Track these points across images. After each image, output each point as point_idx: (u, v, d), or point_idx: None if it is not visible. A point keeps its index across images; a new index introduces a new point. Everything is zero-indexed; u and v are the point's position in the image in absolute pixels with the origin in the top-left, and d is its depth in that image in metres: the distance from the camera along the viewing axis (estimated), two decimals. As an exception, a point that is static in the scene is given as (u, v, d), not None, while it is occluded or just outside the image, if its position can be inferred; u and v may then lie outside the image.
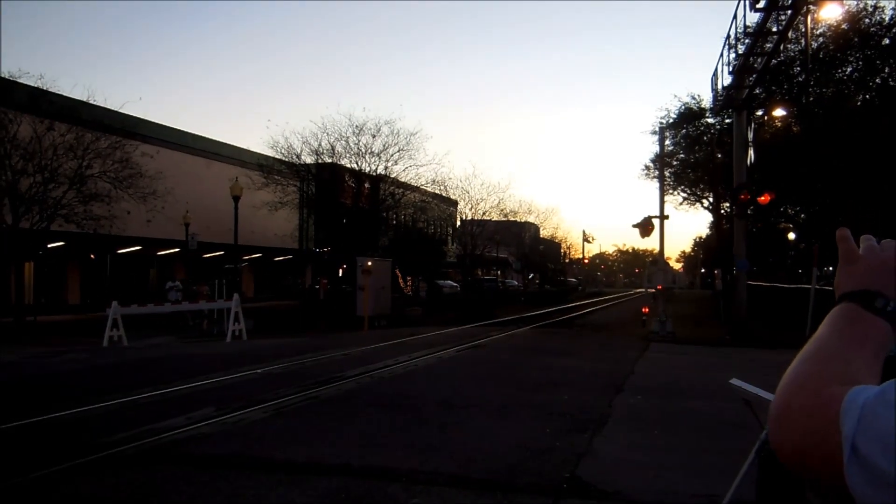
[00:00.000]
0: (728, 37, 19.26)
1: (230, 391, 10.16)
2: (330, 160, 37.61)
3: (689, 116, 34.11)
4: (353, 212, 37.62)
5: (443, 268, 53.84)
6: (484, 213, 50.34)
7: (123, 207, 24.69)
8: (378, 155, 37.62)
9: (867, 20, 24.82)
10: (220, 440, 7.25)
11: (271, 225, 38.35)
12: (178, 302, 24.02)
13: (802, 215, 31.66)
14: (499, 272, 69.96)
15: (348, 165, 38.19)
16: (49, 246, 28.44)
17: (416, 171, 40.82)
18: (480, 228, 50.87)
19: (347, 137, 37.47)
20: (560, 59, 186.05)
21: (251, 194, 32.31)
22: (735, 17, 18.20)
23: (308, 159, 37.39)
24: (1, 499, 5.46)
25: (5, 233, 21.23)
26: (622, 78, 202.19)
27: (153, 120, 35.99)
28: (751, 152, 20.32)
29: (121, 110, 25.70)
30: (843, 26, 24.36)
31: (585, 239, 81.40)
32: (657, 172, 27.74)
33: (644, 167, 42.73)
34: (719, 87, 21.26)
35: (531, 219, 62.98)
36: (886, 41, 24.87)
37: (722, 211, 34.84)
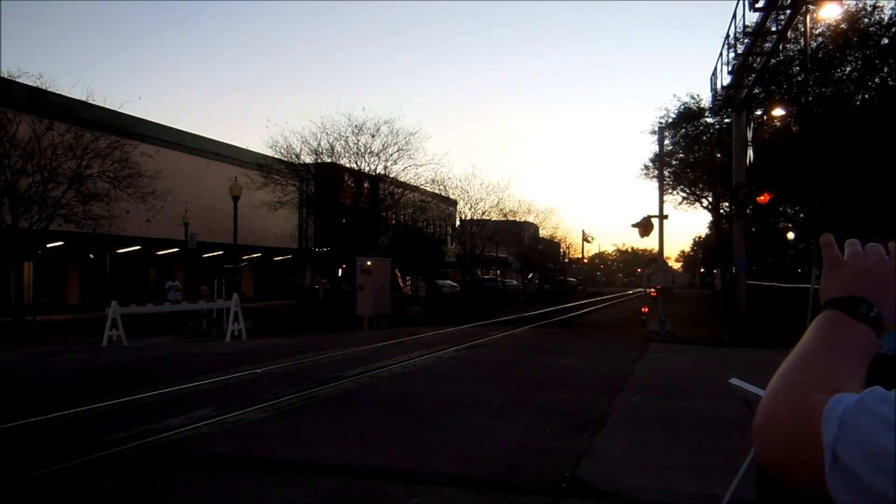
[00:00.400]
0: (727, 36, 19.30)
1: (230, 391, 10.16)
2: (329, 160, 37.61)
3: (688, 116, 34.15)
4: (353, 211, 37.61)
5: (442, 267, 53.85)
6: (483, 213, 50.38)
7: (123, 207, 24.69)
8: (377, 155, 37.64)
9: (866, 20, 24.84)
10: (220, 440, 7.25)
11: (271, 225, 38.34)
12: (178, 302, 24.03)
13: (802, 215, 31.66)
14: (498, 272, 69.98)
15: (348, 165, 38.19)
16: (48, 246, 28.43)
17: (415, 170, 40.86)
18: (480, 228, 50.88)
19: (347, 137, 37.49)
20: (560, 59, 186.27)
21: (250, 194, 32.30)
22: (734, 16, 18.24)
23: (307, 159, 37.41)
24: (1, 498, 5.46)
25: (5, 232, 21.23)
26: (622, 78, 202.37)
27: (152, 119, 36.04)
28: (750, 152, 20.34)
29: (120, 110, 25.77)
30: (843, 26, 24.37)
31: (585, 238, 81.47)
32: (656, 172, 27.76)
33: (643, 167, 42.84)
34: (718, 86, 21.28)
35: (531, 218, 63.04)
36: (885, 41, 24.88)
37: (721, 210, 34.88)
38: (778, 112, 26.16)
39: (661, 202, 23.16)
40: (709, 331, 22.49)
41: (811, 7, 16.44)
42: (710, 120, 33.65)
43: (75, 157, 22.50)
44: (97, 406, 8.83)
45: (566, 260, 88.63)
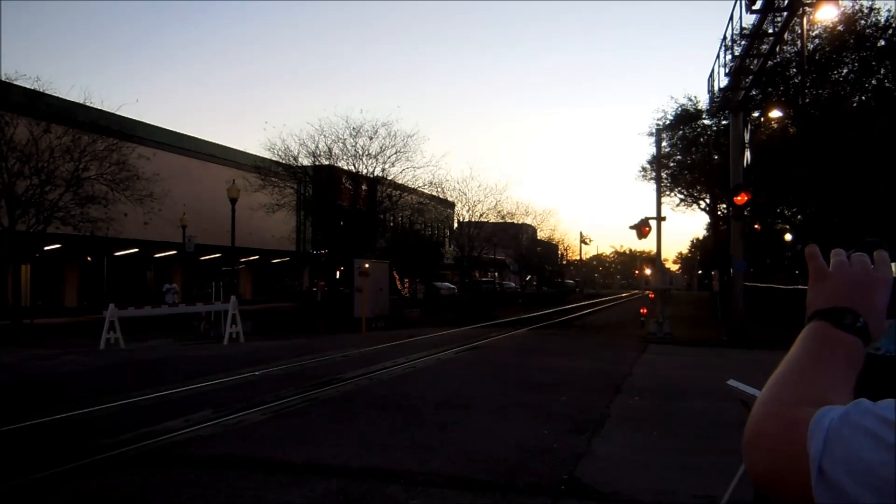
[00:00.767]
0: (724, 38, 19.34)
1: (228, 393, 10.17)
2: (327, 162, 37.60)
3: (685, 118, 34.23)
4: (351, 214, 37.61)
5: (440, 269, 53.83)
6: (481, 215, 50.35)
7: (120, 209, 24.67)
8: (375, 157, 37.64)
9: (863, 22, 24.94)
10: (219, 442, 7.26)
11: (269, 227, 38.33)
12: (175, 304, 24.00)
13: (799, 216, 31.74)
14: (496, 274, 70.00)
15: (345, 167, 38.19)
16: (46, 248, 28.41)
17: (413, 172, 40.88)
18: (478, 230, 50.86)
19: (344, 139, 37.48)
20: (557, 61, 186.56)
21: (248, 196, 32.31)
22: (731, 18, 18.27)
23: (305, 161, 37.39)
24: (3, 500, 5.47)
25: (2, 235, 21.21)
26: (619, 79, 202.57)
27: (150, 122, 36.07)
28: (747, 153, 20.36)
29: (118, 112, 25.72)
30: (839, 28, 24.45)
31: (583, 240, 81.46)
32: (654, 174, 27.83)
33: (641, 169, 42.94)
34: (716, 88, 21.32)
35: (528, 220, 63.04)
36: (882, 43, 24.97)
37: (719, 212, 34.94)
38: (775, 114, 26.21)
39: (659, 204, 23.21)
40: (707, 332, 22.53)
41: (808, 9, 16.47)
42: (707, 122, 33.75)
43: (73, 160, 22.47)
44: (96, 408, 8.83)
45: (564, 262, 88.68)
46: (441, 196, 48.42)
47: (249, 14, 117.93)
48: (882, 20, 24.86)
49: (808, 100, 26.61)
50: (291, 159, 36.93)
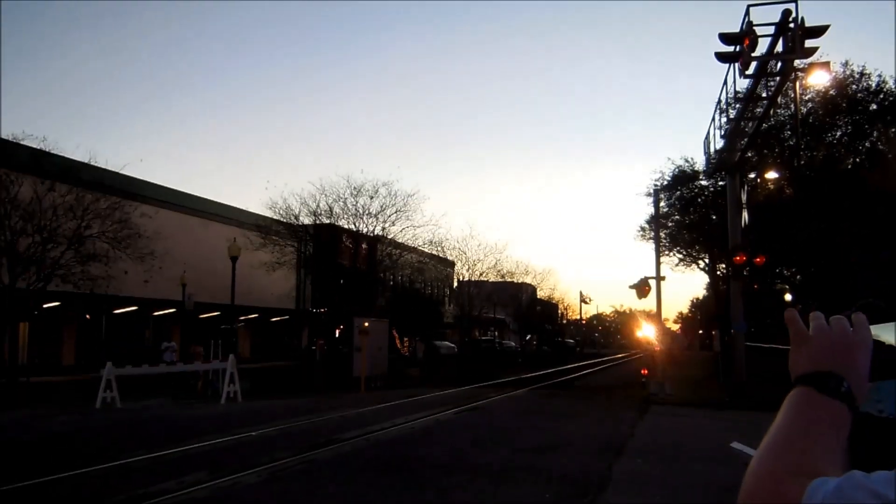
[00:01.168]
0: (719, 101, 19.69)
1: (224, 454, 10.01)
2: (328, 221, 37.82)
3: (683, 179, 34.57)
4: (351, 272, 37.63)
5: (440, 328, 53.56)
6: (481, 274, 50.34)
7: (121, 267, 24.71)
8: (376, 216, 37.85)
9: (854, 86, 25.48)
10: (214, 505, 7.12)
11: (268, 285, 38.31)
12: (173, 363, 23.79)
13: (798, 276, 31.78)
14: (496, 333, 69.66)
15: (346, 226, 38.38)
16: (45, 306, 28.33)
17: (413, 231, 41.01)
18: (478, 289, 50.82)
19: (345, 198, 37.75)
20: (557, 123, 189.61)
21: (249, 254, 32.40)
22: (725, 82, 18.65)
23: (306, 220, 37.59)
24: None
25: (2, 293, 21.18)
26: (617, 140, 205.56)
27: (153, 181, 36.38)
28: (745, 214, 20.53)
29: (122, 171, 25.99)
30: (832, 92, 24.97)
31: (583, 300, 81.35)
32: (653, 234, 27.98)
33: (640, 228, 43.06)
34: (712, 150, 21.60)
35: (528, 280, 63.03)
36: (874, 106, 25.46)
37: (718, 272, 34.99)
38: (771, 175, 26.54)
39: (658, 264, 23.30)
40: (708, 393, 22.29)
41: (800, 74, 16.88)
42: (704, 182, 34.08)
43: (75, 218, 22.61)
44: (89, 470, 8.68)
45: (564, 321, 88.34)
46: (441, 255, 48.53)
47: (254, 77, 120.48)
48: (873, 84, 25.44)
49: (803, 162, 26.96)
50: (292, 218, 37.16)
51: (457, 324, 53.34)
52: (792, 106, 24.02)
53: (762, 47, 15.56)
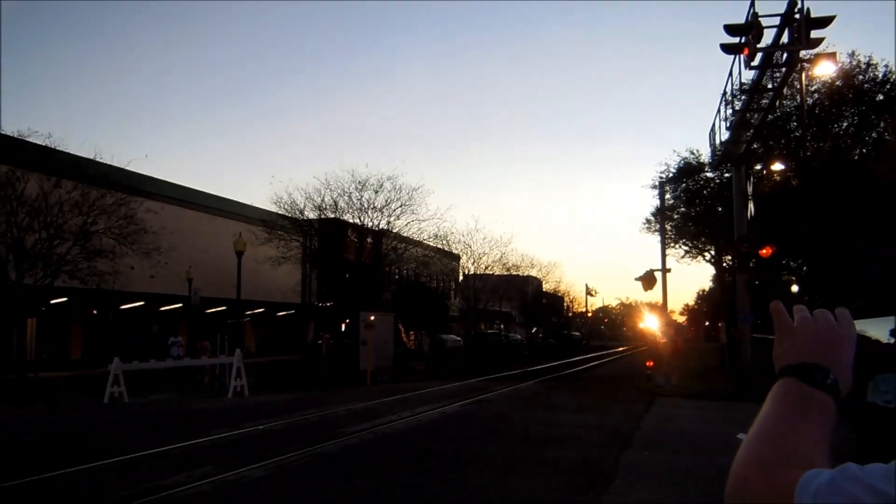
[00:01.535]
0: (724, 93, 19.60)
1: (231, 448, 10.06)
2: (333, 215, 37.83)
3: (688, 171, 34.43)
4: (356, 266, 37.66)
5: (446, 322, 53.59)
6: (486, 268, 50.35)
7: (127, 263, 24.77)
8: (380, 210, 37.85)
9: (861, 77, 25.32)
10: (220, 498, 7.16)
11: (274, 280, 38.39)
12: (180, 357, 23.88)
13: (805, 267, 31.67)
14: (502, 326, 69.70)
15: (351, 220, 38.40)
16: (52, 302, 28.45)
17: (418, 225, 40.99)
18: (483, 282, 50.84)
19: (350, 193, 37.76)
20: (563, 114, 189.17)
21: (254, 249, 32.44)
22: (731, 74, 18.54)
23: (311, 214, 37.62)
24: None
25: (9, 289, 21.29)
26: (623, 133, 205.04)
27: (158, 176, 36.45)
28: (751, 206, 20.45)
29: (127, 167, 26.05)
30: (838, 83, 24.82)
31: (588, 292, 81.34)
32: (658, 226, 27.91)
33: (645, 221, 42.86)
34: (717, 142, 21.52)
35: (534, 273, 62.97)
36: (880, 97, 25.31)
37: (724, 264, 34.88)
38: (777, 166, 26.42)
39: (664, 256, 23.28)
40: (714, 384, 22.27)
41: (806, 65, 16.77)
42: (710, 174, 33.92)
43: (81, 214, 22.69)
44: (97, 464, 8.74)
45: (570, 314, 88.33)
46: (446, 248, 48.53)
47: (259, 72, 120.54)
48: (880, 75, 25.27)
49: (809, 153, 26.84)
50: (297, 213, 37.20)
51: (462, 317, 53.40)
52: (798, 97, 23.83)
53: (767, 38, 15.47)
